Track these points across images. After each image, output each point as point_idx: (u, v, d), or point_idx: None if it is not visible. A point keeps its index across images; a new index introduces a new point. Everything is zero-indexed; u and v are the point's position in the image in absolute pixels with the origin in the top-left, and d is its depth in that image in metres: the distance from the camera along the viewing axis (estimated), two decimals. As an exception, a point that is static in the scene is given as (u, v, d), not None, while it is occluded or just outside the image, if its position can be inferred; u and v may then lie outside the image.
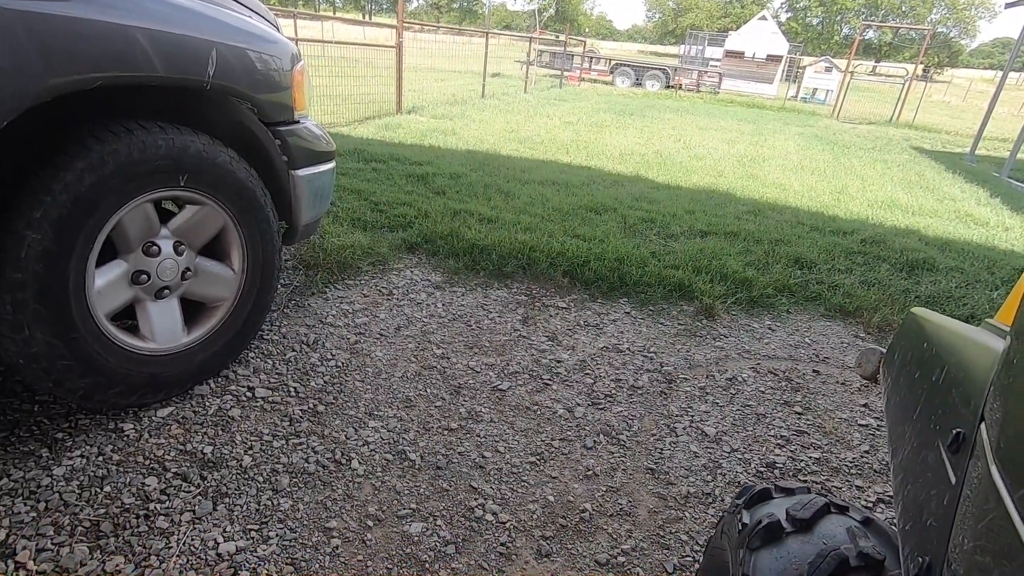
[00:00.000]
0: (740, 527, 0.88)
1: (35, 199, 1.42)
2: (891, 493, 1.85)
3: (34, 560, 1.31)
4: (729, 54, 22.51)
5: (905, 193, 6.37)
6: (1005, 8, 10.36)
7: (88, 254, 1.53)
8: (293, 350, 2.24)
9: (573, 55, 20.60)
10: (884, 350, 1.02)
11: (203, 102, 1.90)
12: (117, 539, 1.39)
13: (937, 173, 8.11)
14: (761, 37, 21.88)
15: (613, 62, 21.96)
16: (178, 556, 1.37)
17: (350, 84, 7.75)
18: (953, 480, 0.52)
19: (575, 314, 2.81)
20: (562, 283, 3.07)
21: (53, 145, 1.49)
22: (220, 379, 2.00)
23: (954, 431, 0.55)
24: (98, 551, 1.35)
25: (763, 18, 22.60)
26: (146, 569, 1.33)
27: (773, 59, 21.83)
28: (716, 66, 22.74)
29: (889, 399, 0.86)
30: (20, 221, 1.40)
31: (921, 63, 18.81)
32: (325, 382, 2.08)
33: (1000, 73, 10.77)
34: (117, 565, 1.33)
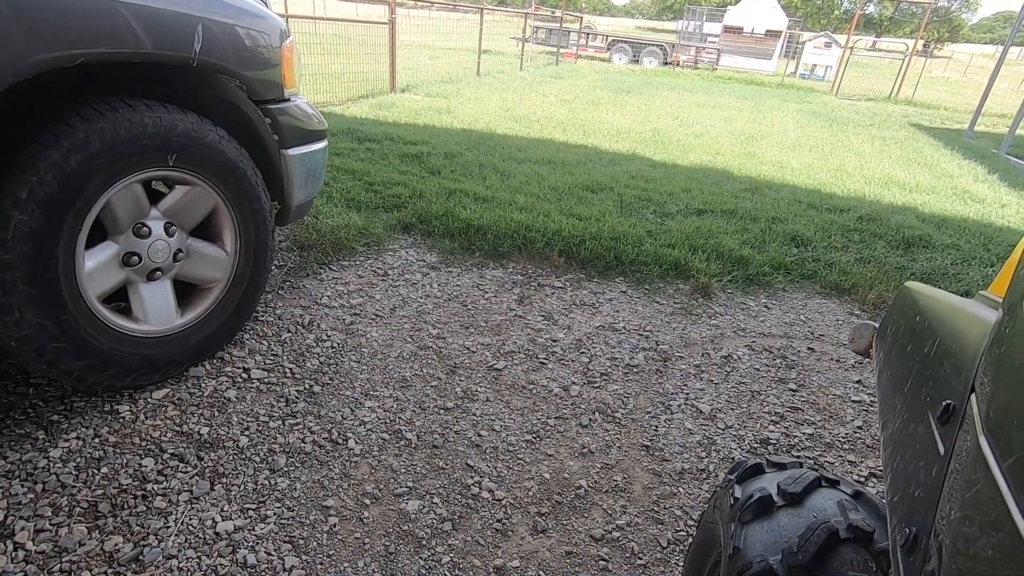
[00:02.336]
0: (732, 501, 0.89)
1: (20, 178, 1.40)
2: (883, 467, 1.87)
3: (33, 540, 1.32)
4: (728, 29, 22.15)
5: (903, 170, 6.34)
6: (1008, -20, 10.19)
7: (77, 235, 1.52)
8: (288, 331, 2.23)
9: (569, 31, 20.26)
10: (877, 325, 1.02)
11: (190, 80, 1.86)
12: (115, 519, 1.40)
13: (935, 150, 8.07)
14: (760, 12, 21.51)
15: (610, 38, 21.62)
16: (176, 535, 1.38)
17: (342, 62, 7.62)
18: (942, 451, 0.52)
19: (571, 293, 2.81)
20: (558, 262, 3.06)
21: (37, 124, 1.47)
22: (215, 361, 2.00)
23: (944, 402, 0.55)
24: (96, 531, 1.36)
25: (762, -8, 22.20)
26: (144, 548, 1.34)
27: (772, 34, 21.51)
28: (714, 42, 22.40)
29: (881, 373, 0.86)
30: (6, 201, 1.38)
31: (921, 38, 18.58)
32: (321, 363, 2.08)
33: (1001, 48, 10.64)
34: (116, 544, 1.34)
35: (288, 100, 2.10)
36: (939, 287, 3.16)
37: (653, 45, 20.69)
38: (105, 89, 1.64)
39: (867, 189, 5.27)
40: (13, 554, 1.28)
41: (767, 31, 21.48)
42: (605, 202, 3.98)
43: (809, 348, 2.56)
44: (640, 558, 1.49)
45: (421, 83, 9.25)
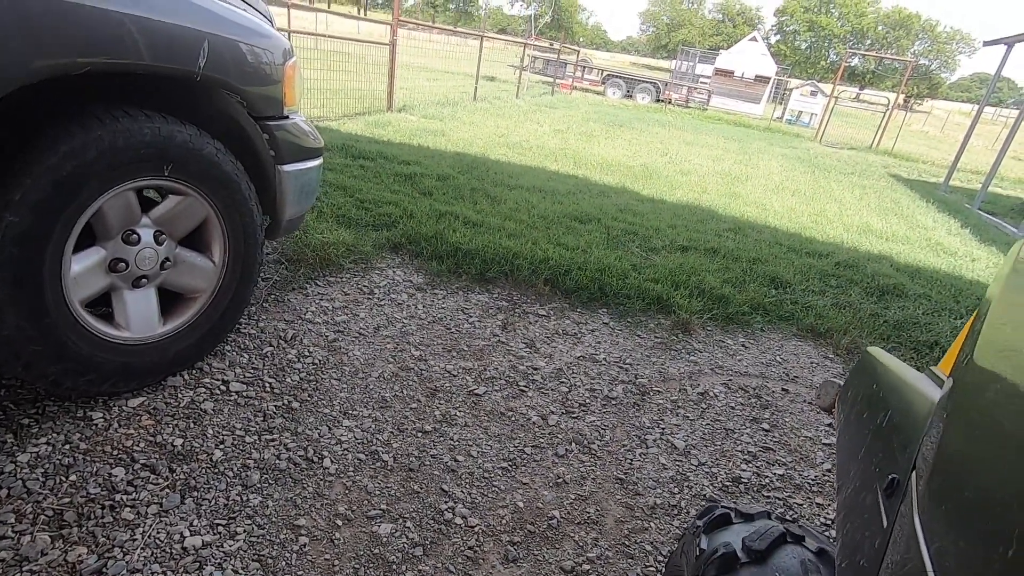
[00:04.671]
0: (698, 552, 0.89)
1: (15, 181, 1.40)
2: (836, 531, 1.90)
3: (-7, 548, 1.29)
4: (719, 72, 22.86)
5: (880, 219, 6.54)
6: (983, 45, 10.72)
7: (66, 239, 1.52)
8: (270, 345, 2.23)
9: (566, 63, 20.73)
10: (841, 384, 1.05)
11: (192, 93, 1.89)
12: (80, 529, 1.37)
13: (912, 201, 8.35)
14: (751, 57, 22.26)
15: (605, 72, 22.16)
16: (143, 548, 1.36)
17: (342, 78, 7.70)
18: (885, 524, 0.54)
19: (554, 322, 2.84)
20: (543, 291, 3.10)
21: (36, 128, 1.48)
22: (194, 371, 1.98)
23: (890, 476, 0.57)
24: (60, 540, 1.34)
25: (753, 39, 23.02)
26: (109, 560, 1.31)
27: (761, 79, 22.23)
28: (706, 83, 23.09)
29: (840, 435, 0.88)
30: (-2, 203, 1.38)
31: (903, 93, 19.33)
32: (301, 379, 2.08)
33: (977, 107, 11.13)
34: (79, 555, 1.31)
35: (287, 117, 2.13)
36: (910, 335, 3.26)
37: (646, 82, 21.23)
38: (106, 97, 1.65)
39: (845, 236, 5.43)
40: (-29, 561, 1.25)
41: (756, 76, 22.19)
42: (592, 233, 4.05)
43: (783, 389, 2.62)
44: (609, 592, 1.50)
45: (418, 104, 9.36)
